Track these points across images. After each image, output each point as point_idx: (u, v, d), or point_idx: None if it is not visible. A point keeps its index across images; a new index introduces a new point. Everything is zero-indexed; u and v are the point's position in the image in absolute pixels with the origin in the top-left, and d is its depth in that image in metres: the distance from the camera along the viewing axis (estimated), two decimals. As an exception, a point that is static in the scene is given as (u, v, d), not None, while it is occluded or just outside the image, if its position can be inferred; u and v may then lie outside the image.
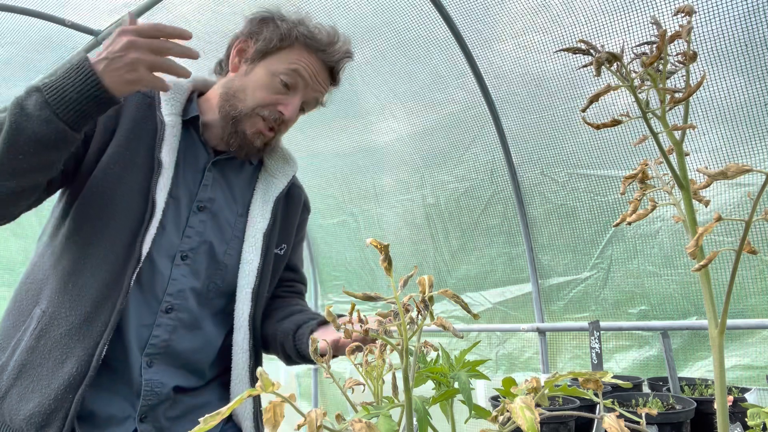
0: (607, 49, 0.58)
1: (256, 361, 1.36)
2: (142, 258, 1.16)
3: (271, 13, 1.30)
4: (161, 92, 1.25)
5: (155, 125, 1.22)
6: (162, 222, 1.19)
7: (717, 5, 2.22)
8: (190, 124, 1.30)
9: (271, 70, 1.27)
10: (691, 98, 0.58)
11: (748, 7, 2.17)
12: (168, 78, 1.25)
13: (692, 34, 0.59)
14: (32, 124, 0.97)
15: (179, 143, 1.25)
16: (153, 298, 1.20)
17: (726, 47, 2.26)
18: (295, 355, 1.31)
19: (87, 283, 1.13)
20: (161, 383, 1.21)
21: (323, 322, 1.28)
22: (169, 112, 1.24)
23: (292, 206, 1.45)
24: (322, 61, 1.30)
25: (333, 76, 1.35)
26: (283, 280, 1.47)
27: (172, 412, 1.23)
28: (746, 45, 2.23)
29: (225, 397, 1.32)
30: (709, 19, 2.25)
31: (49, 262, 1.18)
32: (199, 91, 1.38)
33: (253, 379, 1.33)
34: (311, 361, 1.26)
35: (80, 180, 1.18)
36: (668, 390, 2.01)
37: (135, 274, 1.15)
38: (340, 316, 0.80)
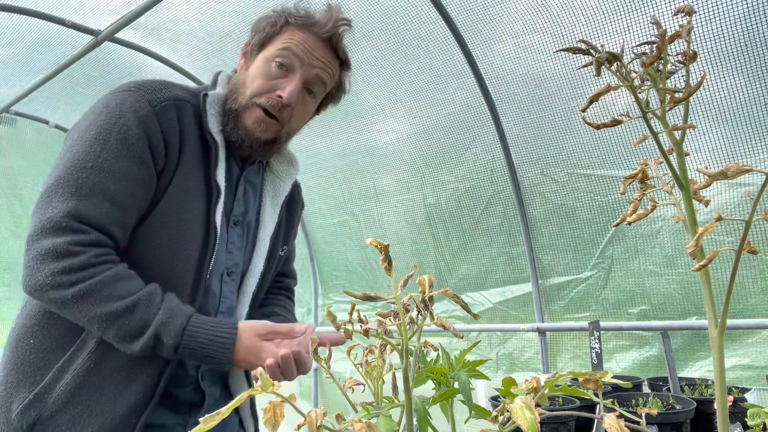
0: (607, 49, 0.58)
1: None
2: (206, 285, 1.17)
3: (272, 9, 1.26)
4: (208, 106, 1.19)
5: (207, 144, 1.19)
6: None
7: (717, 5, 2.22)
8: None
9: (266, 57, 1.21)
10: (691, 98, 0.58)
11: (748, 7, 2.17)
12: (210, 90, 1.23)
13: (692, 34, 0.59)
14: (155, 351, 1.07)
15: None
16: None
17: (726, 47, 2.26)
18: None
19: None
20: (213, 395, 1.25)
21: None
22: (216, 130, 1.20)
23: (293, 208, 1.45)
24: (316, 35, 1.21)
25: (335, 50, 1.26)
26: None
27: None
28: (746, 45, 2.22)
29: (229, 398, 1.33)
30: (709, 19, 2.25)
31: None
32: None
33: (249, 378, 1.34)
34: None
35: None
36: (668, 390, 2.01)
37: (198, 299, 1.16)
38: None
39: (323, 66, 1.23)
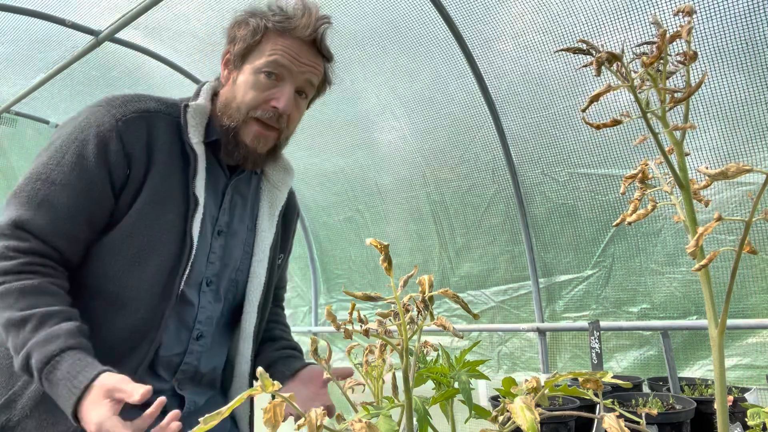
0: (607, 49, 0.58)
1: (254, 371, 1.36)
2: (178, 295, 1.14)
3: (245, 12, 1.22)
4: (190, 117, 1.18)
5: (186, 154, 1.17)
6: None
7: (718, 3, 2.22)
8: (209, 146, 1.24)
9: (253, 68, 1.19)
10: (691, 96, 0.58)
11: (748, 5, 2.17)
12: (192, 102, 1.21)
13: (693, 32, 0.59)
14: (29, 374, 1.02)
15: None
16: (184, 328, 1.20)
17: (727, 45, 2.25)
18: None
19: (122, 322, 1.11)
20: (194, 402, 1.23)
21: (296, 371, 1.30)
22: (197, 140, 1.18)
23: (290, 216, 1.44)
24: (299, 39, 1.19)
25: (319, 49, 1.24)
26: None
27: (189, 426, 1.23)
28: (747, 43, 2.22)
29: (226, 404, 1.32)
30: (710, 17, 2.24)
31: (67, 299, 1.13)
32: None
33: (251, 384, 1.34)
34: None
35: (109, 224, 1.13)
36: (668, 390, 2.01)
37: (170, 311, 1.14)
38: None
39: (311, 69, 1.24)
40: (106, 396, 0.96)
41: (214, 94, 1.28)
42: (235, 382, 1.31)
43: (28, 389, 1.07)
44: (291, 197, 1.45)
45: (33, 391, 1.07)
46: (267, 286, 1.32)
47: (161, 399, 0.97)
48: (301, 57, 1.21)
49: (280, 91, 1.20)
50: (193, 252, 1.15)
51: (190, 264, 1.15)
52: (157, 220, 1.13)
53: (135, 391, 0.95)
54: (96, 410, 0.94)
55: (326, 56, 1.27)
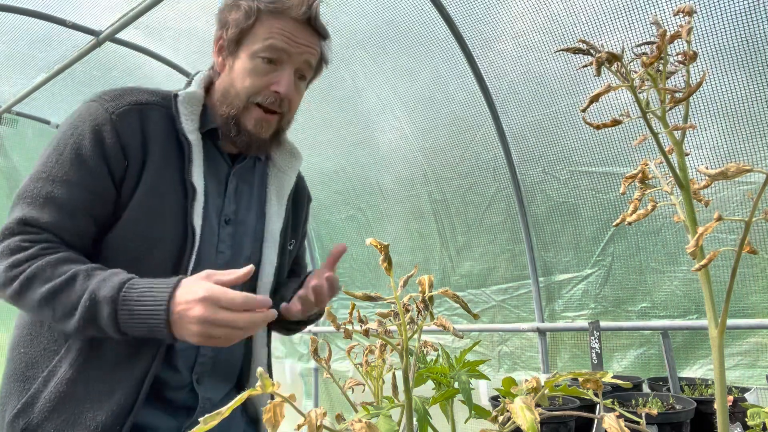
0: (607, 49, 0.58)
1: (270, 357, 1.37)
2: None
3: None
4: (180, 106, 1.18)
5: (180, 144, 1.17)
6: (199, 244, 1.17)
7: (718, 0, 2.21)
8: (208, 135, 1.23)
9: (250, 53, 1.19)
10: (691, 96, 0.58)
11: (748, 2, 2.17)
12: (182, 90, 1.22)
13: (693, 30, 0.59)
14: (94, 329, 1.03)
15: (203, 160, 1.20)
16: None
17: (727, 42, 2.25)
18: (289, 324, 1.32)
19: None
20: (209, 399, 1.22)
21: (299, 286, 1.29)
22: (191, 129, 1.18)
23: (300, 201, 1.43)
24: (294, 20, 1.18)
25: (314, 27, 1.23)
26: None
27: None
28: (748, 41, 2.22)
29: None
30: (711, 15, 2.24)
31: None
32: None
33: (271, 375, 1.33)
34: (302, 323, 1.33)
35: (113, 217, 1.14)
36: (668, 390, 2.01)
37: None
38: None
39: (309, 50, 1.22)
40: (205, 279, 1.00)
41: (210, 84, 1.27)
42: (254, 371, 1.30)
43: (45, 392, 1.07)
44: (300, 181, 1.44)
45: (50, 393, 1.07)
46: (278, 270, 1.32)
47: (250, 267, 1.03)
48: (298, 38, 1.20)
49: (280, 75, 1.19)
50: (197, 241, 1.15)
51: (195, 253, 1.14)
52: (157, 212, 1.13)
53: (231, 272, 1.01)
54: (200, 285, 0.99)
55: (322, 34, 1.26)
